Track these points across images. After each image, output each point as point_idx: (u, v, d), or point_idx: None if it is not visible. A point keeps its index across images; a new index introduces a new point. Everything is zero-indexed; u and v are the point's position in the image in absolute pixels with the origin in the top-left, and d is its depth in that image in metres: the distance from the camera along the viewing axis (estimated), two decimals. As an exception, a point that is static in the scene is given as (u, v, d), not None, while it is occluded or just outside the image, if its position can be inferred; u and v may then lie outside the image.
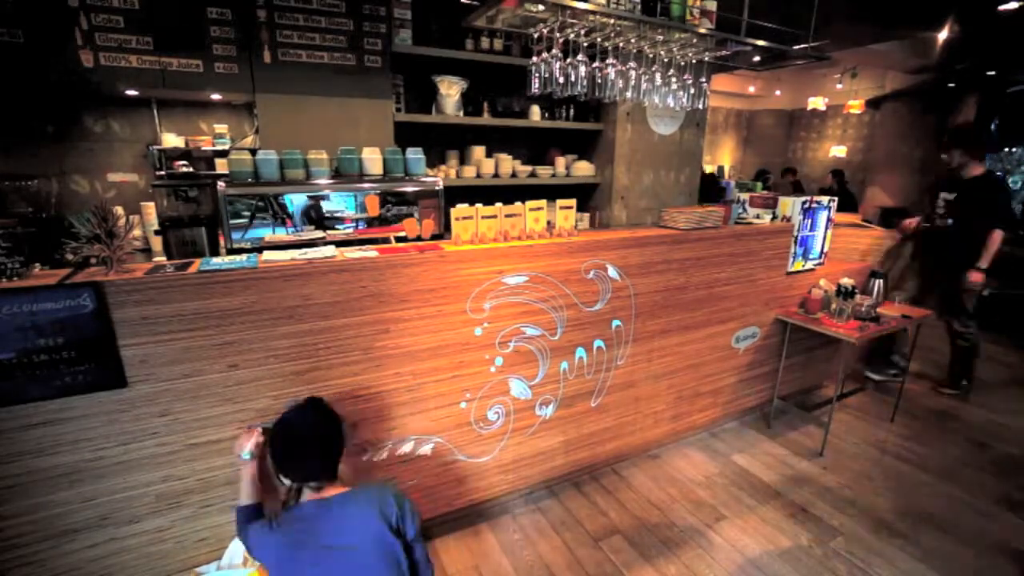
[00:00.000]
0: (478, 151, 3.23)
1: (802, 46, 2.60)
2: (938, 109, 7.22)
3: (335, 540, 1.27)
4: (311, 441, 1.37)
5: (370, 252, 1.94)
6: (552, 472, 2.55)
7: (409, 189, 2.63)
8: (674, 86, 2.38)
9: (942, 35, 5.18)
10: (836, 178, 7.00)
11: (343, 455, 1.44)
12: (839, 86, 7.92)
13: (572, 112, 3.43)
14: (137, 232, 3.32)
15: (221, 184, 2.22)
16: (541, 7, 1.86)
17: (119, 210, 2.06)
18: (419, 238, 2.60)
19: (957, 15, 4.80)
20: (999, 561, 2.20)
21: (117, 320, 1.51)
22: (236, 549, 1.75)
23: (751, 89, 8.83)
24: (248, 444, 1.55)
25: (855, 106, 7.54)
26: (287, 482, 1.39)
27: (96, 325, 1.48)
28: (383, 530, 1.29)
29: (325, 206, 2.47)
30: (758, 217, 3.16)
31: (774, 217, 3.13)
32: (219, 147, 3.74)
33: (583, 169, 3.38)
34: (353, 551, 1.27)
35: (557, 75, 2.07)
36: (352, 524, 1.29)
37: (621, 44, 2.21)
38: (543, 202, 2.29)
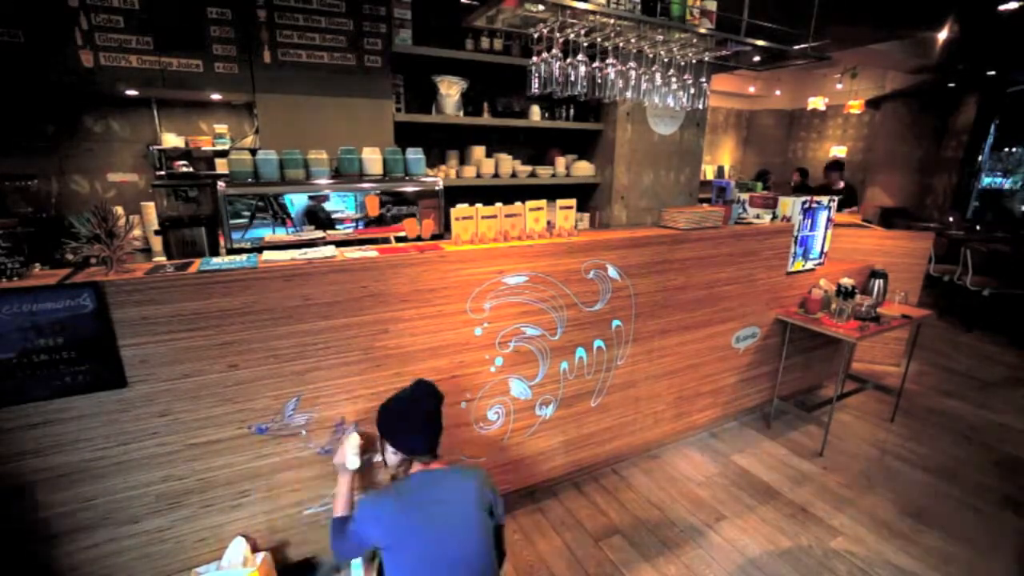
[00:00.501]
0: (478, 151, 3.23)
1: (802, 46, 2.60)
2: (938, 109, 7.22)
3: (443, 498, 1.42)
4: (430, 417, 1.53)
5: (370, 252, 1.94)
6: (552, 472, 2.55)
7: (409, 189, 2.63)
8: (674, 86, 2.38)
9: (942, 35, 5.18)
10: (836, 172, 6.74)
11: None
12: (839, 86, 7.91)
13: (572, 112, 3.43)
14: (137, 232, 3.32)
15: (221, 184, 2.22)
16: (541, 7, 1.86)
17: (119, 210, 2.06)
18: (419, 238, 2.60)
19: (957, 15, 4.79)
20: (999, 561, 2.20)
21: (117, 320, 1.51)
22: (236, 549, 1.75)
23: (751, 89, 8.82)
24: (352, 452, 1.70)
25: (855, 106, 7.53)
26: (397, 457, 1.54)
27: (96, 325, 1.48)
28: (481, 503, 1.44)
29: (324, 206, 2.47)
30: (758, 217, 3.16)
31: (774, 217, 3.13)
32: (219, 147, 3.75)
33: (583, 169, 3.38)
34: (458, 508, 1.41)
35: (557, 75, 2.07)
36: (457, 490, 1.44)
37: (621, 44, 2.21)
38: (543, 202, 2.29)
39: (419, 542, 1.35)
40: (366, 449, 1.83)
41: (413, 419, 1.52)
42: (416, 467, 1.52)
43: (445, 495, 1.43)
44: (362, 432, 1.86)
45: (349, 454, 1.70)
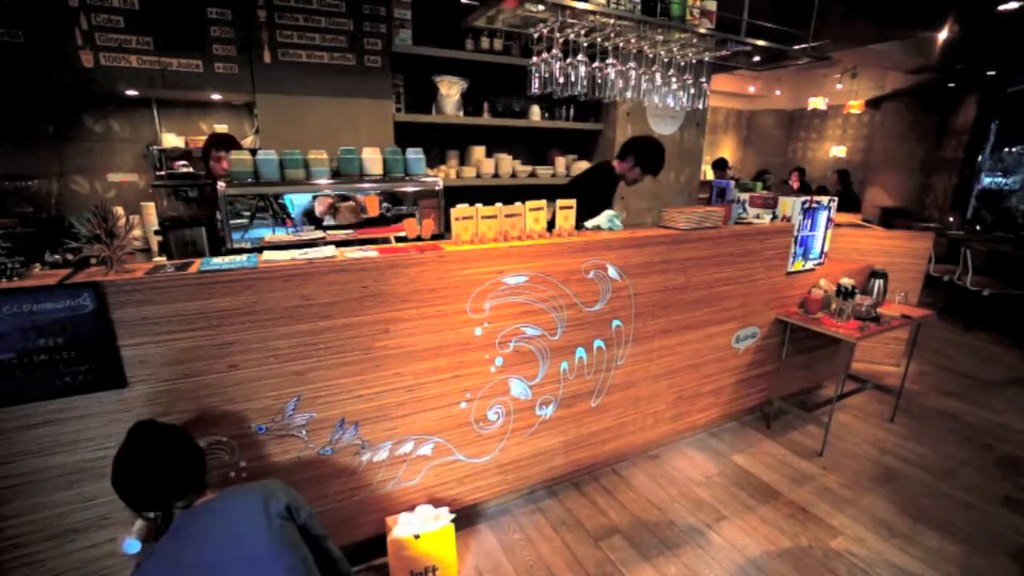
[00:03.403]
0: (478, 151, 3.23)
1: (802, 46, 2.60)
2: (938, 109, 7.23)
3: (214, 546, 1.17)
4: (160, 466, 1.28)
5: (370, 252, 1.94)
6: (552, 472, 2.55)
7: (409, 189, 2.63)
8: (674, 86, 2.39)
9: (942, 35, 5.18)
10: (841, 178, 6.82)
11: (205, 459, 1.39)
12: (839, 86, 7.92)
13: (572, 112, 3.43)
14: (137, 232, 3.32)
15: (221, 184, 2.22)
16: (541, 7, 1.86)
17: (119, 210, 2.06)
18: (419, 238, 2.60)
19: (957, 15, 4.80)
20: (999, 561, 2.20)
21: (117, 320, 1.51)
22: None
23: (751, 89, 8.83)
24: (134, 533, 1.39)
25: (855, 106, 7.54)
26: (151, 516, 1.31)
27: (96, 325, 1.48)
28: (272, 511, 1.23)
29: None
30: (758, 217, 3.16)
31: (774, 217, 3.13)
32: (219, 147, 3.74)
33: (583, 169, 3.38)
34: (238, 551, 1.16)
35: (557, 75, 2.07)
36: (233, 512, 1.22)
37: (621, 44, 2.21)
38: (543, 202, 2.28)
39: None
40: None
41: (153, 477, 1.27)
42: (177, 515, 1.28)
43: (217, 525, 1.20)
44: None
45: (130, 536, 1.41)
